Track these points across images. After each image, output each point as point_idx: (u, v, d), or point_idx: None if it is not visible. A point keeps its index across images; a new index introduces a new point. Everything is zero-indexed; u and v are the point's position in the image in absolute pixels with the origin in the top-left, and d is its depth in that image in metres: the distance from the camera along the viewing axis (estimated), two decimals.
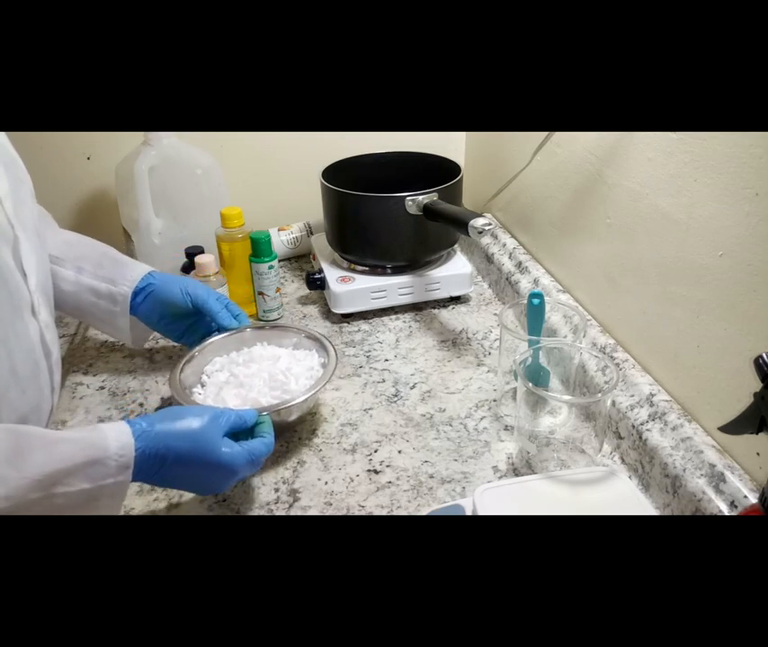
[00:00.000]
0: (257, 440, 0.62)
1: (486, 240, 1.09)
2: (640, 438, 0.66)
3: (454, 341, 0.92)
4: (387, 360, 0.88)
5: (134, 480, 0.54)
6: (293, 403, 0.69)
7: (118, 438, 0.53)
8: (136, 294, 0.79)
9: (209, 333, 0.81)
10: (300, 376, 0.74)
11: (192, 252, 0.93)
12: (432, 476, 0.68)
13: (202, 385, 0.75)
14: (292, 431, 0.75)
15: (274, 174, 1.17)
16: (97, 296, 0.78)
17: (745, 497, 0.54)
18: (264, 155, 1.15)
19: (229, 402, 0.71)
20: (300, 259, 1.16)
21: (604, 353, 0.76)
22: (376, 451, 0.72)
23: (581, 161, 0.83)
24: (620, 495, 0.58)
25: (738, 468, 0.57)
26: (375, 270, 0.99)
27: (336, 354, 0.76)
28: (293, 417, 0.73)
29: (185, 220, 1.00)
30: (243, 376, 0.74)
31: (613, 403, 0.70)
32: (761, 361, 0.43)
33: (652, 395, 0.68)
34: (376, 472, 0.69)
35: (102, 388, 0.84)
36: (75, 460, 0.50)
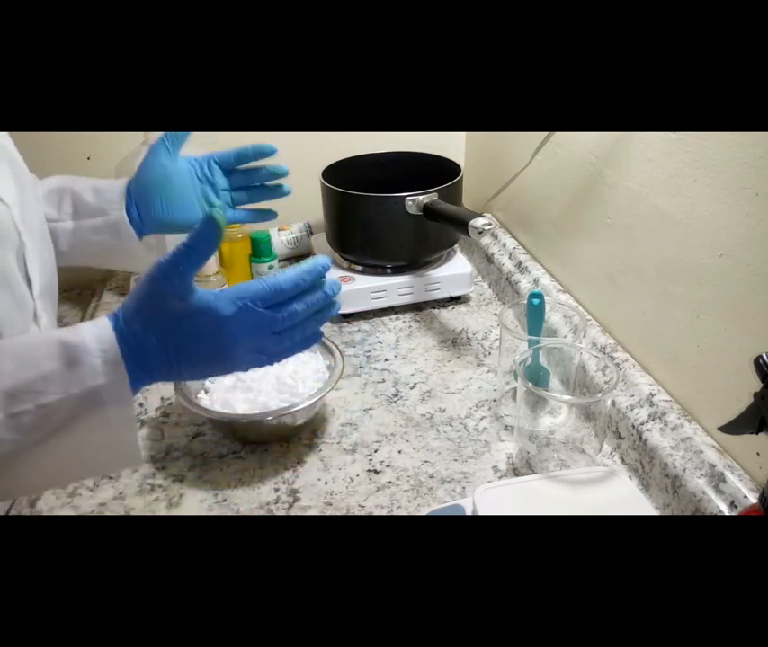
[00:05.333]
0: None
1: (486, 240, 1.09)
2: (640, 438, 0.66)
3: (454, 341, 0.92)
4: (387, 360, 0.88)
5: (137, 378, 0.48)
6: (303, 405, 0.69)
7: (95, 331, 0.47)
8: (129, 212, 0.73)
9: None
10: (308, 379, 0.74)
11: None
12: (432, 476, 0.68)
13: (206, 391, 0.75)
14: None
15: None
16: (98, 233, 0.73)
17: (745, 497, 0.54)
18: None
19: (237, 406, 0.71)
20: (300, 259, 1.16)
21: (604, 353, 0.76)
22: (376, 451, 0.72)
23: (581, 161, 0.83)
24: (620, 495, 0.58)
25: (738, 468, 0.57)
26: (375, 270, 0.99)
27: (342, 356, 0.76)
28: (302, 420, 0.73)
29: None
30: (250, 380, 0.74)
31: (613, 403, 0.70)
32: (761, 361, 0.43)
33: (652, 395, 0.68)
34: (376, 472, 0.69)
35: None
36: (51, 364, 0.46)
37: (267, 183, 0.80)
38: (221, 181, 0.77)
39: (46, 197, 0.73)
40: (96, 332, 0.47)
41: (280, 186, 0.81)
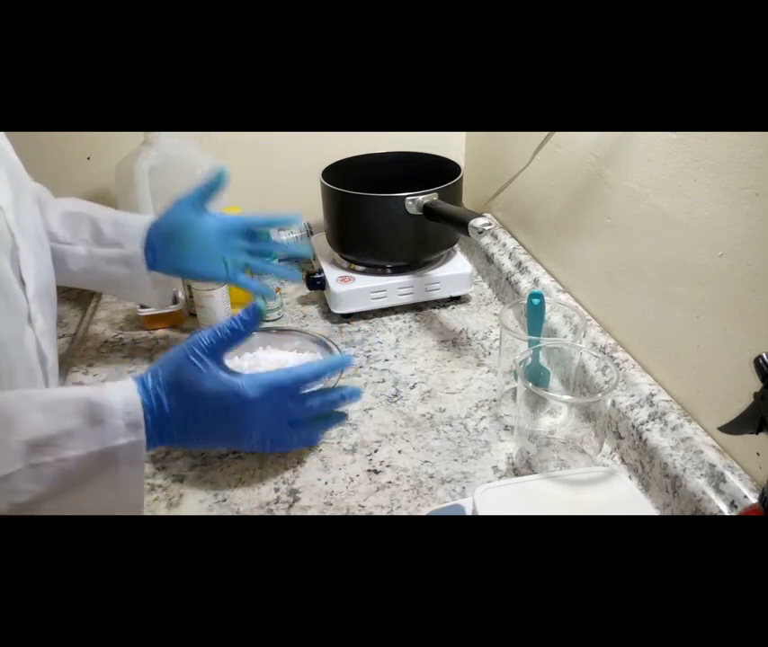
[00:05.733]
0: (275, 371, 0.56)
1: (486, 240, 1.09)
2: (640, 438, 0.66)
3: (454, 341, 0.92)
4: (387, 360, 0.88)
5: (152, 442, 0.50)
6: None
7: (121, 394, 0.49)
8: (146, 251, 0.75)
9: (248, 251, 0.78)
10: None
11: None
12: (432, 476, 0.68)
13: None
14: None
15: (274, 174, 1.17)
16: (111, 264, 0.75)
17: (745, 497, 0.54)
18: (264, 154, 1.15)
19: None
20: (300, 259, 1.16)
21: (604, 353, 0.76)
22: (376, 451, 0.72)
23: (581, 161, 0.83)
24: (620, 495, 0.58)
25: (738, 468, 0.57)
26: (375, 270, 0.99)
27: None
28: None
29: None
30: None
31: (613, 403, 0.70)
32: (761, 361, 0.43)
33: (652, 395, 0.68)
34: (376, 472, 0.69)
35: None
36: (76, 421, 0.47)
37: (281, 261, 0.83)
38: (242, 242, 0.79)
39: (61, 218, 0.75)
40: (123, 395, 0.50)
41: (293, 269, 0.84)
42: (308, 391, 0.56)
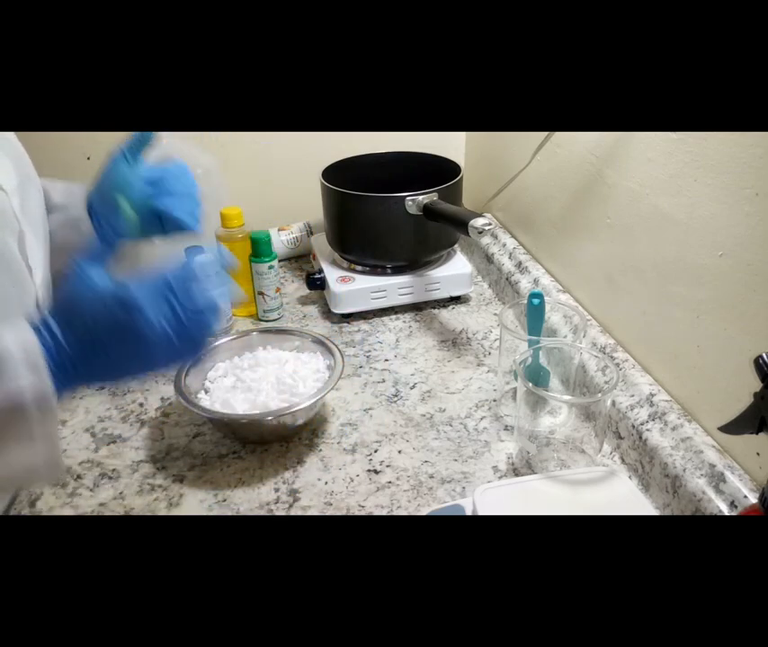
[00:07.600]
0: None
1: (486, 240, 1.09)
2: (640, 438, 0.66)
3: (454, 341, 0.92)
4: (387, 360, 0.88)
5: (60, 383, 0.46)
6: (303, 405, 0.69)
7: (17, 335, 0.46)
8: (90, 216, 0.69)
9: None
10: (308, 379, 0.74)
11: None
12: (432, 476, 0.68)
13: (206, 391, 0.75)
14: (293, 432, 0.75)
15: (274, 174, 1.17)
16: (63, 228, 0.70)
17: (745, 497, 0.54)
18: (264, 155, 1.15)
19: (238, 407, 0.70)
20: (300, 259, 1.16)
21: (604, 353, 0.76)
22: (376, 451, 0.72)
23: (581, 161, 0.83)
24: (620, 495, 0.58)
25: (738, 468, 0.57)
26: (375, 270, 0.99)
27: (342, 356, 0.76)
28: (302, 420, 0.73)
29: None
30: (250, 381, 0.74)
31: (613, 403, 0.70)
32: (761, 361, 0.43)
33: (652, 395, 0.68)
34: (376, 472, 0.69)
35: (102, 388, 0.83)
36: None
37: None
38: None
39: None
40: (19, 337, 0.46)
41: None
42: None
